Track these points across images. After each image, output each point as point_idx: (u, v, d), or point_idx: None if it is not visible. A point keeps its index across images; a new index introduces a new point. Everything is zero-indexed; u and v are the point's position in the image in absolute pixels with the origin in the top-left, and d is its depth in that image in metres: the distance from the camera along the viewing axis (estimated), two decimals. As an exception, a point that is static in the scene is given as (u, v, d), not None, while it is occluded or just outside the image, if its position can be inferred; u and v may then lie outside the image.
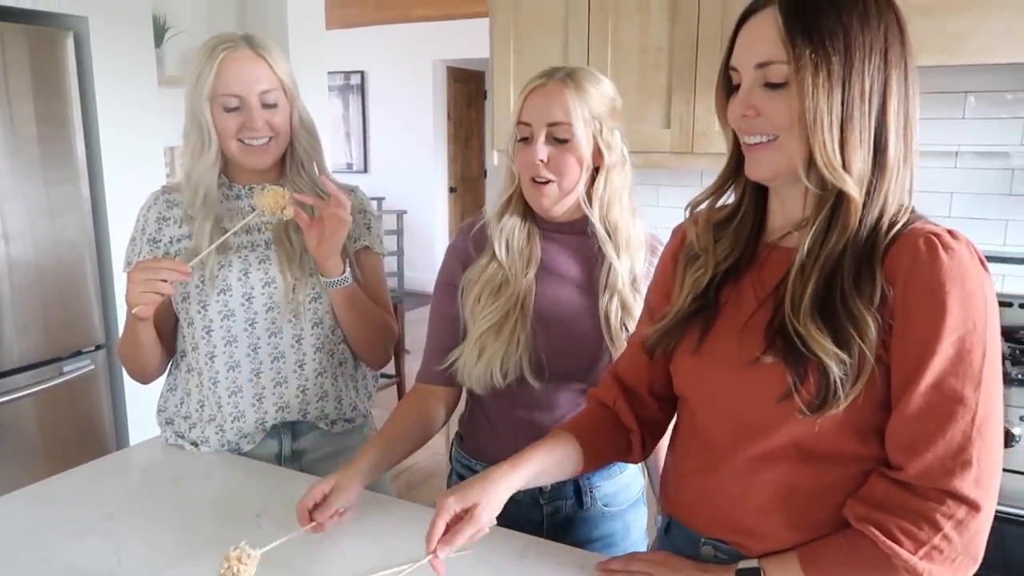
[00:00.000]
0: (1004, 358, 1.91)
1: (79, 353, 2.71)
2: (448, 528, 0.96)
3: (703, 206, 1.03)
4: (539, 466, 1.03)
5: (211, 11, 3.46)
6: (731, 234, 1.00)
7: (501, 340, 1.26)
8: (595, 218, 1.27)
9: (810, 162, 0.87)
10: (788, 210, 0.95)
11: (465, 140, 7.41)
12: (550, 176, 1.24)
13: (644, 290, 1.26)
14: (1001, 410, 0.84)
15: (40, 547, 1.14)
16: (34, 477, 1.37)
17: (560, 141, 1.23)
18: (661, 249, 1.32)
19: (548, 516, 1.35)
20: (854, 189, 0.85)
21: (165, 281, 1.24)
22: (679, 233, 1.10)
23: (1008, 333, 2.13)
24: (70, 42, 2.60)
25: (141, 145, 2.89)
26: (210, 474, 1.38)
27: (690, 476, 1.05)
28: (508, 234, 1.29)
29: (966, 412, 0.82)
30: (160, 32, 3.16)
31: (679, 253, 1.07)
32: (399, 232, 5.80)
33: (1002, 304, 2.22)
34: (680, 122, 2.23)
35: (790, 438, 0.91)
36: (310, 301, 1.42)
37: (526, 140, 1.25)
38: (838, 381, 0.84)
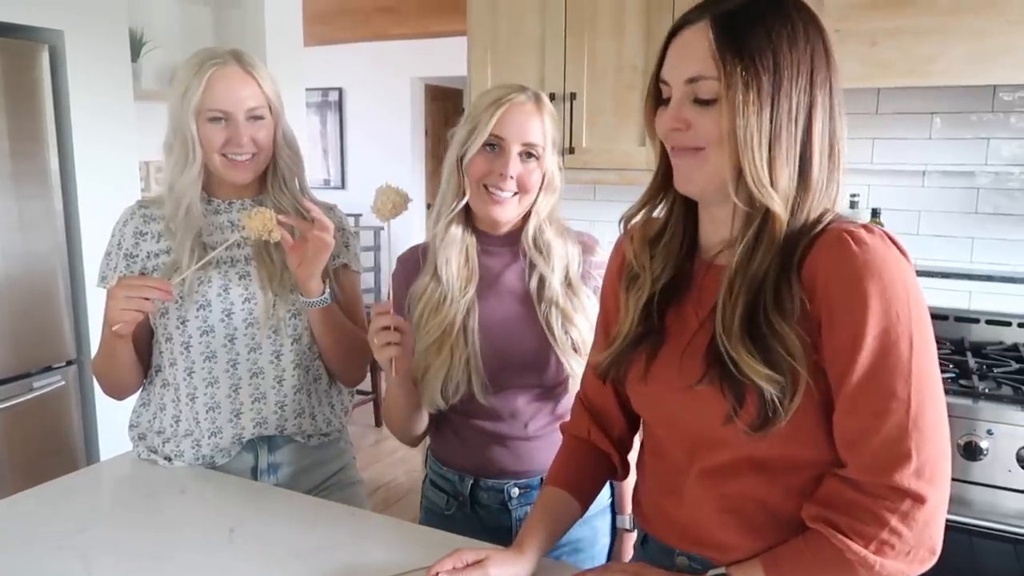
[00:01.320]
0: (971, 372, 1.95)
1: (49, 368, 2.67)
2: None
3: (636, 219, 1.03)
4: (542, 542, 1.07)
5: (188, 26, 3.45)
6: (663, 251, 1.01)
7: (442, 358, 1.28)
8: (529, 234, 1.31)
9: (739, 178, 0.87)
10: (719, 227, 0.95)
11: (442, 157, 7.38)
12: (514, 190, 1.27)
13: (580, 289, 1.30)
14: (940, 398, 0.84)
15: (9, 563, 1.12)
16: (2, 494, 1.34)
17: (528, 159, 1.27)
18: (597, 247, 1.37)
19: (516, 522, 1.36)
20: (780, 207, 0.86)
21: (148, 300, 1.24)
22: (618, 250, 1.11)
23: (976, 349, 2.17)
24: (45, 56, 2.59)
25: (116, 159, 2.87)
26: (184, 488, 1.37)
27: (655, 492, 1.07)
28: (449, 250, 1.31)
29: (899, 405, 0.82)
30: (137, 46, 3.15)
31: (621, 271, 1.07)
32: (376, 248, 5.79)
33: (969, 320, 2.27)
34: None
35: (741, 453, 0.93)
36: (290, 317, 1.42)
37: (491, 153, 1.27)
38: (775, 400, 0.85)
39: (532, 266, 1.32)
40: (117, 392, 1.47)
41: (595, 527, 1.39)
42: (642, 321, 1.00)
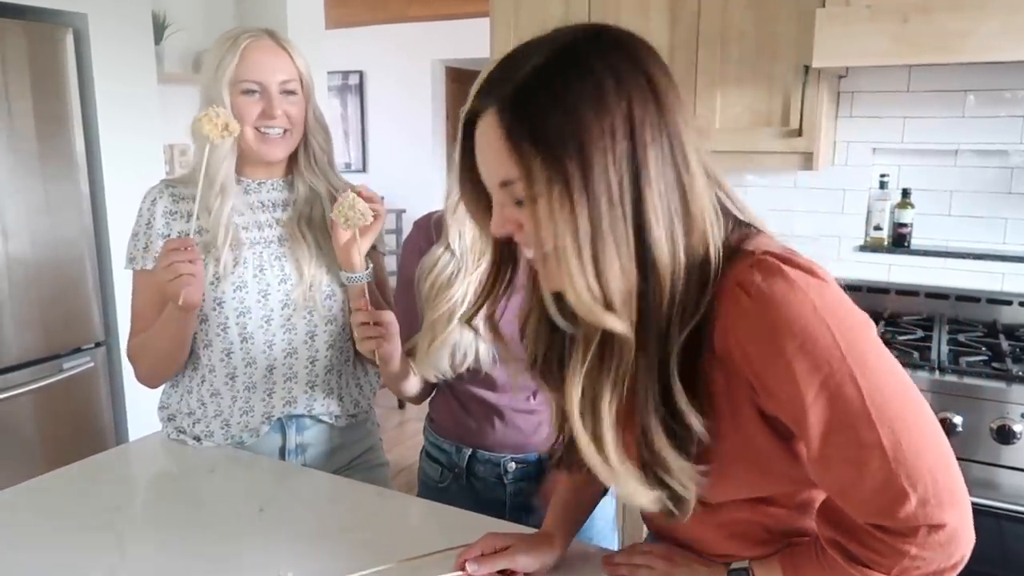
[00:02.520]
0: (1004, 355, 1.91)
1: (78, 350, 2.71)
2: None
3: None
4: (572, 528, 1.07)
5: (210, 9, 3.45)
6: (535, 334, 0.90)
7: (451, 329, 1.29)
8: None
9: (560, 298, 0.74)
10: None
11: (463, 140, 7.39)
12: None
13: None
14: (916, 415, 0.74)
15: (42, 541, 1.14)
16: (33, 474, 1.36)
17: None
18: None
19: (511, 496, 1.37)
20: (618, 324, 0.73)
21: (183, 261, 1.24)
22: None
23: (1008, 331, 2.14)
24: (70, 39, 2.60)
25: (140, 142, 2.88)
26: (213, 468, 1.38)
27: (657, 522, 1.06)
28: (462, 222, 1.31)
29: (871, 451, 0.72)
30: (160, 29, 3.15)
31: None
32: (398, 231, 5.80)
33: (1001, 302, 2.23)
34: (680, 120, 2.23)
35: (735, 498, 0.90)
36: (325, 298, 1.42)
37: None
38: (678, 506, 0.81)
39: None
40: (157, 375, 1.46)
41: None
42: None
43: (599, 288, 0.72)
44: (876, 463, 0.73)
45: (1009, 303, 2.22)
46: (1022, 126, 2.17)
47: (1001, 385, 1.78)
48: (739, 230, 0.81)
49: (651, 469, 0.79)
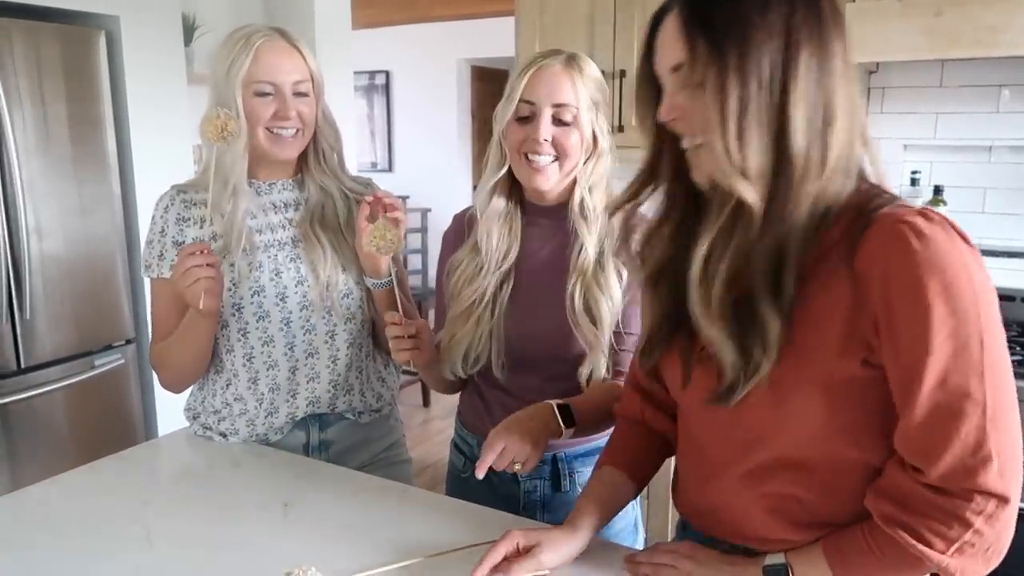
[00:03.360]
0: (1039, 355, 1.87)
1: (109, 347, 2.75)
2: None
3: (624, 210, 1.00)
4: (595, 522, 1.06)
5: (239, 10, 3.49)
6: (658, 240, 0.97)
7: (468, 327, 1.30)
8: (576, 200, 1.28)
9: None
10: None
11: (488, 139, 7.39)
12: (553, 154, 1.25)
13: (609, 266, 1.28)
14: (1014, 395, 0.80)
15: (72, 533, 1.16)
16: (65, 469, 1.39)
17: (562, 123, 1.24)
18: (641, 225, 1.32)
19: (525, 494, 1.37)
20: (751, 194, 0.81)
21: (200, 265, 1.24)
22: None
23: (1043, 330, 2.09)
24: (102, 41, 2.64)
25: (171, 143, 2.92)
26: (238, 463, 1.40)
27: (693, 482, 1.05)
28: (491, 222, 1.31)
29: (975, 407, 0.78)
30: (189, 31, 3.19)
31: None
32: (423, 230, 5.82)
33: (1037, 301, 2.18)
34: (707, 117, 2.22)
35: (781, 453, 0.90)
36: (342, 297, 1.43)
37: (525, 119, 1.25)
38: (736, 380, 0.85)
39: (575, 235, 1.30)
40: (180, 381, 1.47)
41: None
42: (659, 315, 0.98)
43: (739, 157, 0.80)
44: (975, 420, 0.78)
45: (1045, 302, 2.18)
46: (1059, 121, 2.12)
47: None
48: (875, 188, 0.87)
49: (744, 328, 0.84)
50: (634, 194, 0.98)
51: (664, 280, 0.97)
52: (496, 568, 0.99)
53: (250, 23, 1.42)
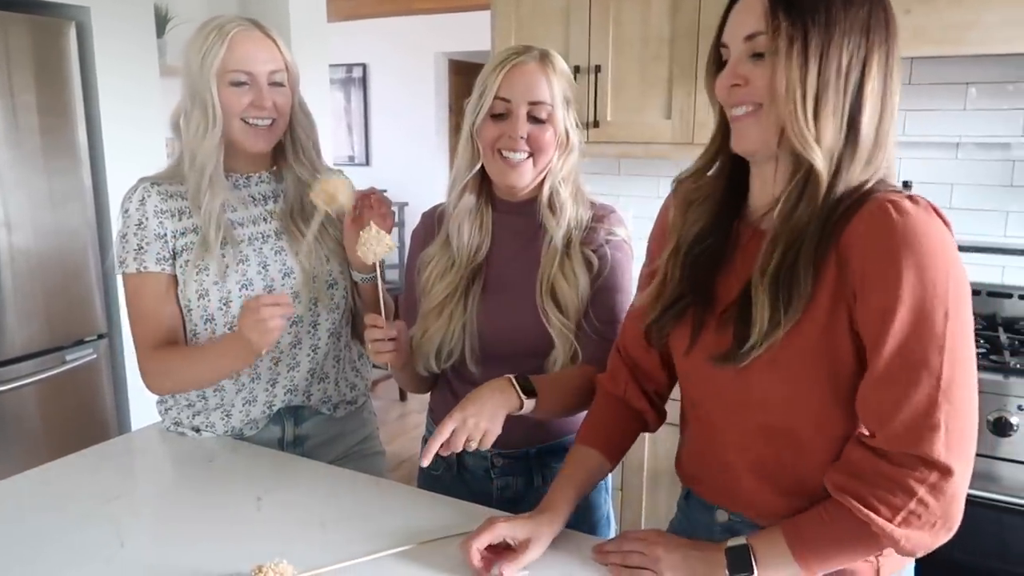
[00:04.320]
0: (1002, 348, 1.91)
1: (81, 342, 2.72)
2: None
3: (688, 181, 1.04)
4: (572, 500, 1.09)
5: (212, 2, 3.45)
6: (698, 210, 1.02)
7: (440, 322, 1.30)
8: (545, 194, 1.29)
9: (783, 132, 0.88)
10: (767, 187, 0.96)
11: (467, 133, 7.39)
12: (528, 151, 1.26)
13: (577, 256, 1.28)
14: (973, 373, 0.84)
15: (42, 530, 1.15)
16: (36, 465, 1.37)
17: (538, 120, 1.25)
18: (611, 217, 1.34)
19: (498, 490, 1.38)
20: (822, 162, 0.86)
21: (276, 317, 1.23)
22: (664, 208, 1.13)
23: (1008, 324, 2.13)
24: (72, 32, 2.61)
25: (143, 135, 2.89)
26: (211, 458, 1.39)
27: (696, 450, 1.10)
28: (461, 217, 1.31)
29: (930, 376, 0.82)
30: (162, 23, 3.16)
31: (665, 229, 1.09)
32: (400, 224, 5.80)
33: (1002, 295, 2.23)
34: (681, 113, 2.23)
35: (774, 419, 0.94)
36: (327, 288, 1.43)
37: (500, 116, 1.26)
38: (758, 340, 0.89)
39: (545, 229, 1.31)
40: (179, 391, 1.45)
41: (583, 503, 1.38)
42: (679, 284, 1.01)
43: (814, 130, 0.86)
44: (928, 389, 0.82)
45: (1009, 296, 2.22)
46: (1023, 119, 2.17)
47: (999, 378, 1.78)
48: (883, 183, 0.91)
49: (783, 290, 0.88)
50: (699, 167, 1.03)
51: (695, 250, 1.00)
52: (488, 563, 1.00)
53: (223, 14, 1.40)
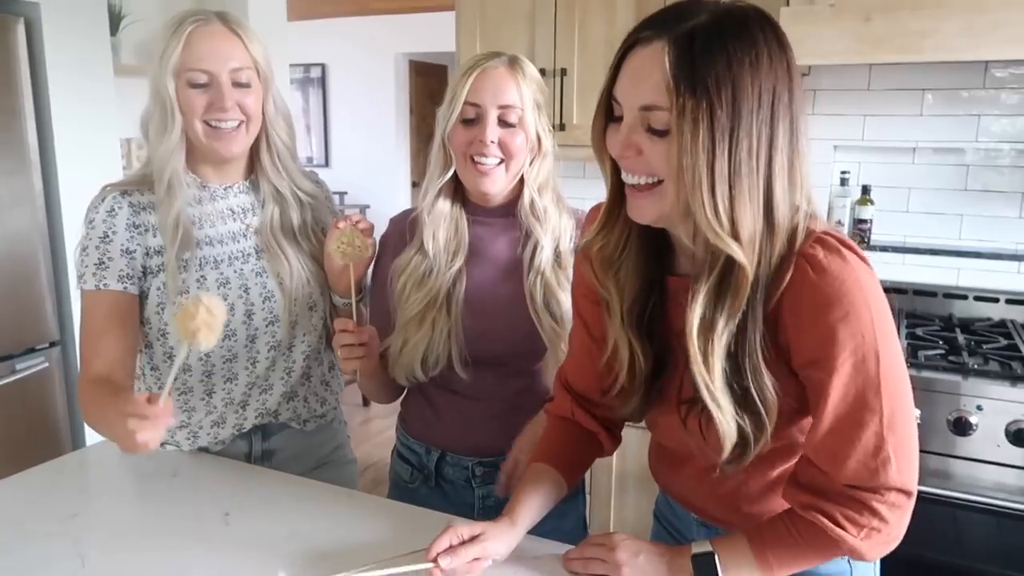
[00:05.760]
0: (960, 348, 1.96)
1: (32, 350, 2.63)
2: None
3: (595, 248, 0.98)
4: (533, 514, 1.07)
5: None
6: (625, 270, 0.96)
7: (423, 331, 1.28)
8: (526, 201, 1.29)
9: (693, 219, 0.83)
10: (684, 247, 0.92)
11: (427, 134, 7.36)
12: (500, 156, 1.25)
13: (568, 264, 1.28)
14: (908, 398, 0.88)
15: (0, 548, 1.10)
16: (-14, 479, 1.32)
17: (508, 124, 1.25)
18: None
19: (480, 499, 1.37)
20: (742, 255, 0.82)
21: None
22: (579, 274, 1.08)
23: (964, 325, 2.19)
24: (20, 28, 2.52)
25: (96, 136, 2.80)
26: (176, 472, 1.35)
27: (662, 464, 1.13)
28: (436, 223, 1.30)
29: (873, 416, 0.85)
30: (115, 20, 3.07)
31: (588, 295, 1.05)
32: (361, 227, 5.77)
33: (957, 297, 2.28)
34: (646, 117, 2.24)
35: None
36: (307, 310, 1.38)
37: (471, 121, 1.25)
38: (748, 443, 0.89)
39: (528, 235, 1.30)
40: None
41: (560, 510, 1.34)
42: (648, 354, 0.97)
43: (728, 221, 0.81)
44: (874, 428, 0.85)
45: (965, 297, 2.28)
46: (977, 125, 2.22)
47: (957, 378, 1.82)
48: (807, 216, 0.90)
49: (749, 396, 0.87)
50: (601, 230, 0.96)
51: (635, 311, 0.97)
52: (442, 554, 0.98)
53: (186, 9, 1.32)
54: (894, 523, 0.88)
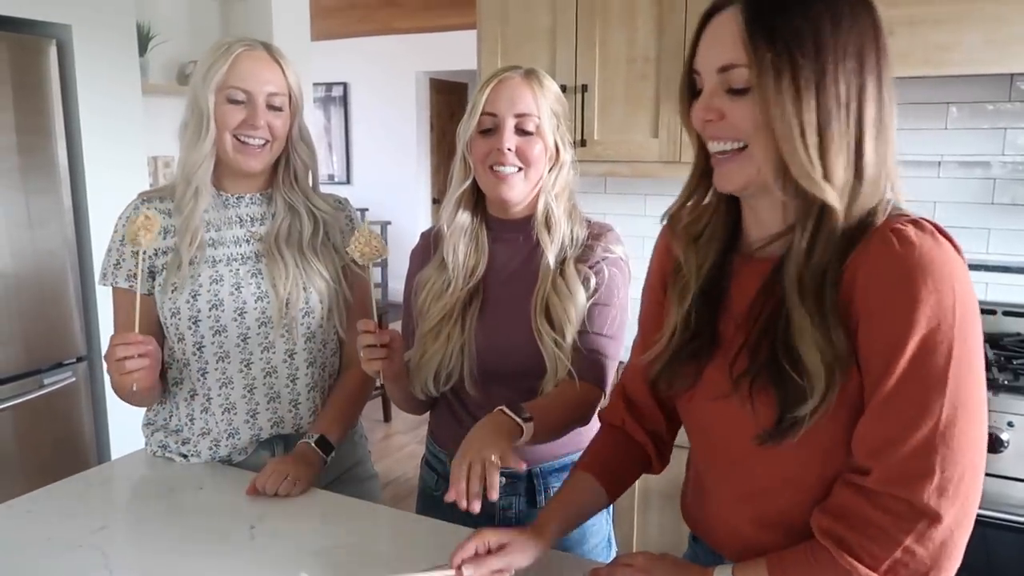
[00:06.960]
0: (990, 364, 1.93)
1: (60, 365, 2.67)
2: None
3: (678, 214, 1.00)
4: (563, 526, 1.05)
5: (195, 20, 3.44)
6: (704, 248, 0.96)
7: (439, 344, 1.29)
8: (540, 210, 1.29)
9: (784, 172, 0.82)
10: (762, 222, 0.91)
11: (448, 151, 7.42)
12: (518, 164, 1.26)
13: (572, 274, 1.27)
14: (978, 412, 0.79)
15: (28, 562, 1.11)
16: (12, 492, 1.34)
17: (525, 133, 1.26)
18: (608, 235, 1.33)
19: (501, 511, 1.36)
20: (835, 199, 0.81)
21: (131, 356, 1.22)
22: (661, 247, 1.07)
23: (993, 340, 2.16)
24: (53, 51, 2.58)
25: (124, 154, 2.86)
26: (201, 485, 1.36)
27: (696, 500, 1.06)
28: (457, 237, 1.31)
29: (928, 418, 0.77)
30: (144, 41, 3.14)
31: (664, 269, 1.04)
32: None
33: (985, 312, 2.25)
34: (668, 131, 2.25)
35: (775, 472, 0.91)
36: (303, 316, 1.40)
37: (489, 131, 1.26)
38: (802, 404, 0.82)
39: (537, 244, 1.30)
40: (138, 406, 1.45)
41: (583, 526, 1.31)
42: (686, 326, 0.96)
43: (821, 166, 0.80)
44: (925, 430, 0.78)
45: (993, 312, 2.25)
46: (1004, 138, 2.20)
47: (988, 395, 1.78)
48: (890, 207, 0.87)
49: (828, 337, 0.82)
50: (685, 199, 0.97)
51: (705, 289, 0.95)
52: (467, 562, 0.98)
53: (210, 40, 1.41)
54: (925, 557, 0.78)
